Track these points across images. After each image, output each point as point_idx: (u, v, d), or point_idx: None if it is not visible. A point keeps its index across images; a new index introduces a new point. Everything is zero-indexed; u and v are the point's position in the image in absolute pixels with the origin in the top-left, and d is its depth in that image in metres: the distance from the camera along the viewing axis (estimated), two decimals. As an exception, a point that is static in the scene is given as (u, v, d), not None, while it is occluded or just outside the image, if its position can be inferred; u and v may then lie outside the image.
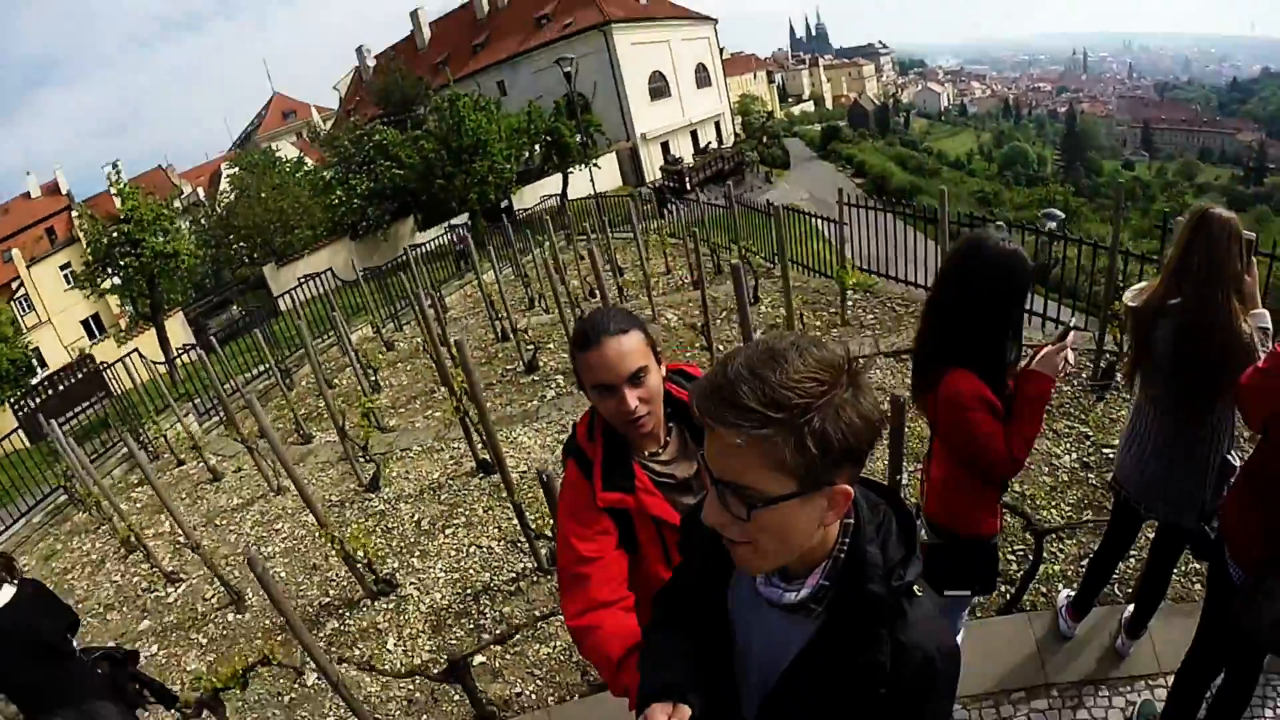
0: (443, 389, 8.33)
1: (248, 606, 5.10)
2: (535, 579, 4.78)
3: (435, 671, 3.66)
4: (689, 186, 34.33)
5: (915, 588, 1.14)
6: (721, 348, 7.87)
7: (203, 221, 28.72)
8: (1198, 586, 3.68)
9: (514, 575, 4.85)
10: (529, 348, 8.49)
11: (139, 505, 7.72)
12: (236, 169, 29.71)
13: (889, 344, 7.07)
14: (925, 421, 2.68)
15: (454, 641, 4.43)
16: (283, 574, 5.39)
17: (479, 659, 4.06)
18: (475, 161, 25.59)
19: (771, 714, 1.23)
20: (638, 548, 1.82)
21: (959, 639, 3.32)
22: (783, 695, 1.19)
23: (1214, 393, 2.41)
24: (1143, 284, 2.67)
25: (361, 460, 6.44)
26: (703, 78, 43.78)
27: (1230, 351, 2.29)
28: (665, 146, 39.31)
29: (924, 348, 2.32)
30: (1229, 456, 2.59)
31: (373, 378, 9.38)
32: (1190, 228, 2.35)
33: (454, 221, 24.95)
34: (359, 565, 4.78)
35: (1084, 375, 5.69)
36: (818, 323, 8.02)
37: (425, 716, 3.95)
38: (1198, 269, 2.32)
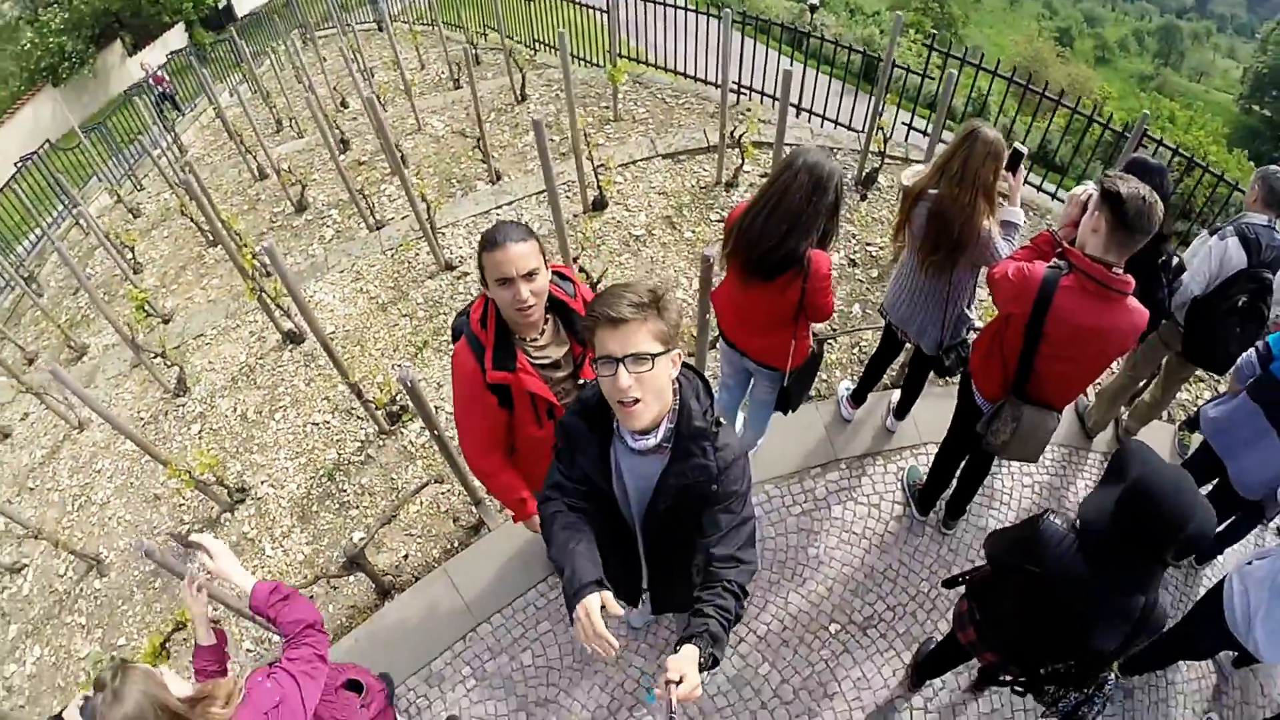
0: (212, 250, 7.35)
1: (109, 566, 4.54)
2: (381, 442, 4.58)
3: (336, 570, 3.56)
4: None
5: (720, 419, 1.81)
6: (497, 155, 7.22)
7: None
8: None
9: (359, 444, 4.62)
10: (294, 185, 7.43)
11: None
12: None
13: (665, 144, 6.77)
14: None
15: (325, 526, 4.27)
16: (128, 518, 4.79)
17: (363, 538, 3.94)
18: (184, -39, 20.54)
19: (650, 518, 1.87)
20: (513, 411, 2.28)
21: (766, 435, 3.89)
22: (655, 502, 1.82)
23: (951, 264, 2.92)
24: (919, 167, 3.13)
25: (158, 363, 5.65)
26: None
27: (967, 239, 2.79)
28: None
29: (785, 243, 2.54)
30: (967, 311, 3.19)
31: (130, 257, 7.83)
32: (961, 137, 2.75)
33: (145, 59, 20.21)
34: (207, 484, 4.38)
35: (849, 176, 5.93)
36: (590, 119, 7.34)
37: (332, 607, 3.87)
38: (955, 172, 2.75)
